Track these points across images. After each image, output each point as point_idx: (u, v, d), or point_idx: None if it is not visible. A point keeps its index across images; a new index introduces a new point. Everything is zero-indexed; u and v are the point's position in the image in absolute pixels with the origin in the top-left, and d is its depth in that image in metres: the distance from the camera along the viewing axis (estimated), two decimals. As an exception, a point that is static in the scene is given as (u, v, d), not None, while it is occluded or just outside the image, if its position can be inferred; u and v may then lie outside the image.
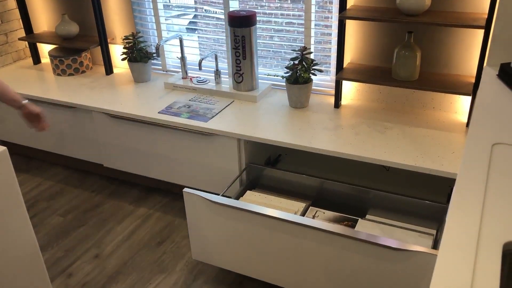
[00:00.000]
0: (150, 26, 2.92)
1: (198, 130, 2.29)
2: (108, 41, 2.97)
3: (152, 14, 2.86)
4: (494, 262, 0.85)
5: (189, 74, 2.80)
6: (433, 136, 2.11)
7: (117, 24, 2.98)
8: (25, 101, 1.98)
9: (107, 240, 2.42)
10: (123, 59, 2.80)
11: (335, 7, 2.37)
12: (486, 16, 1.96)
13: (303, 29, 2.49)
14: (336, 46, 2.29)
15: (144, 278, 2.18)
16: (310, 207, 2.12)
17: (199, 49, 2.91)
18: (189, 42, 2.89)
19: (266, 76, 2.69)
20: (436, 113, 2.31)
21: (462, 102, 2.27)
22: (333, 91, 2.51)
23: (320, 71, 2.39)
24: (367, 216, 2.09)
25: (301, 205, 2.11)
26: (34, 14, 3.22)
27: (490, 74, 1.68)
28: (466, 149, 1.21)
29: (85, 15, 3.05)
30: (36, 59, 3.23)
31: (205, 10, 2.76)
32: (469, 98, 2.19)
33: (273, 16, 2.56)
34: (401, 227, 1.97)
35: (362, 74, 2.27)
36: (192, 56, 2.90)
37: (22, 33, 3.24)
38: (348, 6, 2.22)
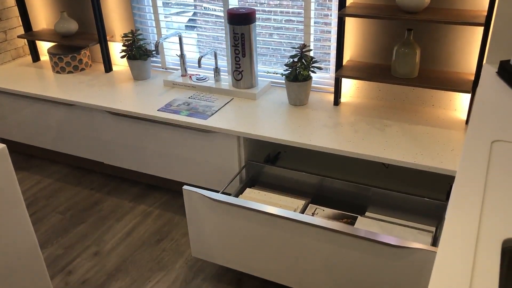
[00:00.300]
0: (149, 24, 2.92)
1: (198, 128, 2.29)
2: (107, 39, 2.96)
3: (152, 11, 2.86)
4: (493, 259, 0.85)
5: (189, 72, 2.80)
6: (432, 133, 2.11)
7: (116, 21, 2.98)
8: None
9: (106, 237, 2.43)
10: (122, 57, 2.79)
11: (335, 4, 2.37)
12: (485, 14, 1.96)
13: (302, 27, 2.49)
14: (335, 44, 2.29)
15: (144, 276, 2.18)
16: (310, 205, 2.13)
17: (198, 47, 2.91)
18: (188, 39, 2.88)
19: (266, 73, 2.68)
20: (435, 111, 2.31)
21: (462, 100, 2.27)
22: (332, 89, 2.51)
23: (320, 68, 2.39)
24: (367, 214, 2.09)
25: (300, 203, 2.11)
26: (33, 11, 3.22)
27: (490, 71, 1.68)
28: (465, 147, 1.21)
29: (84, 13, 3.04)
30: (35, 56, 3.22)
31: (204, 8, 2.76)
32: (469, 95, 2.19)
33: (272, 13, 2.55)
34: (400, 225, 1.97)
35: (362, 72, 2.27)
36: (192, 54, 2.89)
37: (21, 30, 3.24)
38: (347, 4, 2.22)
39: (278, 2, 2.51)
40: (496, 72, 1.66)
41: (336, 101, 2.40)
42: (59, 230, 2.49)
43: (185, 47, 2.83)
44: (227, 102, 2.48)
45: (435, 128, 2.15)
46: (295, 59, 2.36)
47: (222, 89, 2.58)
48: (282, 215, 1.77)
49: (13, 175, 1.60)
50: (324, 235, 1.72)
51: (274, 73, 2.66)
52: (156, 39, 2.91)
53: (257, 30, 2.55)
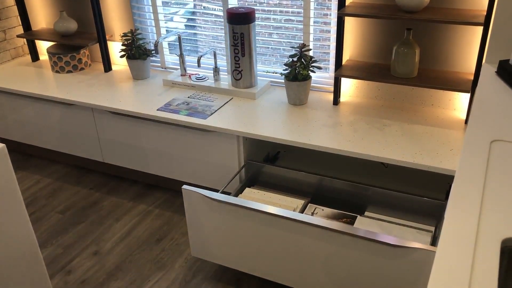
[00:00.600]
0: (148, 23, 2.92)
1: (197, 127, 2.29)
2: (107, 38, 2.96)
3: (151, 11, 2.86)
4: (492, 258, 0.85)
5: (188, 71, 2.80)
6: (431, 133, 2.11)
7: (115, 21, 2.98)
8: None
9: (106, 237, 2.43)
10: (121, 56, 2.79)
11: (334, 4, 2.37)
12: (485, 13, 1.96)
13: (302, 26, 2.49)
14: (335, 43, 2.29)
15: (143, 275, 2.18)
16: (309, 204, 2.13)
17: (198, 46, 2.91)
18: (187, 39, 2.88)
19: (265, 73, 2.68)
20: (434, 110, 2.31)
21: (461, 99, 2.27)
22: (332, 88, 2.51)
23: (319, 68, 2.39)
24: (366, 213, 2.09)
25: (300, 202, 2.11)
26: (32, 11, 3.21)
27: (489, 71, 1.68)
28: (464, 146, 1.21)
29: (83, 12, 3.04)
30: (35, 56, 3.22)
31: (203, 7, 2.76)
32: (468, 95, 2.19)
33: (272, 13, 2.55)
34: (399, 224, 1.97)
35: (361, 71, 2.27)
36: (191, 53, 2.89)
37: (20, 30, 3.24)
38: (347, 3, 2.22)
39: (278, 1, 2.51)
40: (496, 71, 1.66)
41: (336, 101, 2.41)
42: (58, 230, 2.49)
43: (184, 47, 2.83)
44: (227, 102, 2.48)
45: (435, 128, 2.15)
46: (295, 59, 2.36)
47: (222, 88, 2.57)
48: (282, 214, 1.77)
49: (12, 175, 1.60)
50: (323, 235, 1.72)
51: (273, 73, 2.66)
52: (156, 39, 2.91)
53: (256, 30, 2.55)
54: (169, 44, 2.94)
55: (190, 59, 2.86)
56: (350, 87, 2.48)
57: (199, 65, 2.52)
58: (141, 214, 2.58)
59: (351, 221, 2.00)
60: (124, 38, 2.77)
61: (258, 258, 1.92)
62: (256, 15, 2.52)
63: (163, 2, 2.84)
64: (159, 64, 2.99)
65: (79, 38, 2.98)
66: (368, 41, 2.34)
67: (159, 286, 2.11)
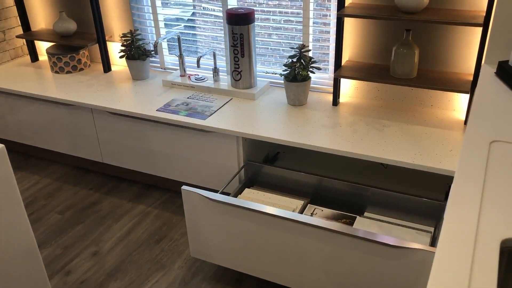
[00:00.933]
0: (148, 24, 2.92)
1: (196, 128, 2.29)
2: (106, 39, 2.96)
3: (150, 11, 2.86)
4: (491, 259, 0.85)
5: (187, 72, 2.80)
6: (431, 133, 2.11)
7: (115, 21, 2.98)
8: None
9: (105, 237, 2.42)
10: (121, 57, 2.79)
11: (334, 4, 2.37)
12: (484, 14, 1.97)
13: (301, 27, 2.49)
14: (334, 44, 2.29)
15: (143, 276, 2.18)
16: (309, 205, 2.13)
17: (197, 47, 2.91)
18: (187, 39, 2.88)
19: (265, 73, 2.69)
20: (434, 111, 2.31)
21: (460, 100, 2.27)
22: (331, 89, 2.51)
23: (319, 68, 2.39)
24: (365, 214, 2.09)
25: (299, 203, 2.11)
26: (31, 11, 3.21)
27: (488, 72, 1.68)
28: (464, 147, 1.21)
29: (83, 13, 3.04)
30: (34, 56, 3.22)
31: (203, 8, 2.76)
32: (467, 96, 2.19)
33: (271, 13, 2.55)
34: (399, 225, 1.97)
35: (360, 72, 2.27)
36: (190, 54, 2.89)
37: (19, 30, 3.23)
38: (346, 4, 2.22)
39: (277, 2, 2.51)
40: (495, 72, 1.66)
41: (335, 101, 2.41)
42: (57, 230, 2.49)
43: (184, 47, 2.83)
44: (226, 102, 2.48)
45: (434, 129, 2.15)
46: (294, 59, 2.36)
47: (221, 89, 2.57)
48: (281, 215, 1.77)
49: (11, 175, 1.60)
50: (323, 235, 1.72)
51: (273, 73, 2.66)
52: (155, 39, 2.91)
53: (256, 30, 2.55)
54: (168, 44, 2.94)
55: (190, 60, 2.86)
56: (349, 88, 2.48)
57: (198, 66, 2.52)
58: (141, 215, 2.58)
59: (350, 221, 2.00)
60: (123, 38, 2.77)
61: (258, 258, 1.92)
62: (256, 16, 2.52)
63: (162, 3, 2.84)
64: (159, 65, 2.99)
65: (79, 39, 2.97)
66: (367, 42, 2.34)
67: (159, 286, 2.11)
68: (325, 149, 2.04)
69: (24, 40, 3.28)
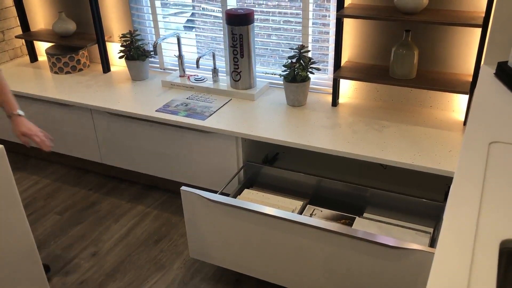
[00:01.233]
0: (147, 24, 2.92)
1: (196, 128, 2.29)
2: (106, 39, 2.96)
3: (150, 12, 2.86)
4: (491, 260, 0.85)
5: (187, 72, 2.80)
6: (430, 134, 2.11)
7: (114, 22, 2.98)
8: (19, 112, 1.82)
9: (104, 238, 2.42)
10: (120, 57, 2.79)
11: (333, 5, 2.37)
12: (483, 15, 1.97)
13: (300, 28, 2.49)
14: (333, 45, 2.29)
15: (142, 276, 2.18)
16: (308, 205, 2.13)
17: (197, 47, 2.91)
18: (186, 40, 2.88)
19: (264, 74, 2.69)
20: (433, 112, 2.31)
21: (460, 101, 2.27)
22: (330, 90, 2.51)
23: (318, 69, 2.39)
24: (365, 214, 2.09)
25: (298, 203, 2.11)
26: (31, 11, 3.21)
27: (488, 72, 1.68)
28: (463, 148, 1.21)
29: (82, 13, 3.04)
30: (33, 57, 3.22)
31: (202, 8, 2.76)
32: (467, 96, 2.19)
33: (270, 14, 2.56)
34: (398, 225, 1.97)
35: (360, 73, 2.27)
36: (190, 54, 2.89)
37: (19, 30, 3.23)
38: (345, 5, 2.22)
39: (277, 2, 2.51)
40: (494, 73, 1.66)
41: (334, 102, 2.41)
42: (57, 231, 2.49)
43: (183, 48, 2.83)
44: (225, 103, 2.48)
45: (433, 129, 2.15)
46: (293, 60, 2.36)
47: (220, 89, 2.57)
48: (280, 216, 1.77)
49: (10, 176, 1.60)
50: (322, 236, 1.72)
51: (272, 74, 2.66)
52: (154, 40, 2.91)
53: (255, 31, 2.55)
54: (168, 45, 2.94)
55: (189, 60, 2.85)
56: (349, 89, 2.48)
57: (198, 66, 2.52)
58: (140, 215, 2.58)
59: (349, 222, 2.00)
60: (123, 39, 2.77)
61: (257, 259, 1.92)
62: (255, 16, 2.52)
63: (162, 3, 2.83)
64: (158, 65, 2.99)
65: (78, 39, 2.97)
66: (366, 42, 2.34)
67: (158, 287, 2.11)
68: (325, 150, 2.04)
69: (23, 40, 3.28)
